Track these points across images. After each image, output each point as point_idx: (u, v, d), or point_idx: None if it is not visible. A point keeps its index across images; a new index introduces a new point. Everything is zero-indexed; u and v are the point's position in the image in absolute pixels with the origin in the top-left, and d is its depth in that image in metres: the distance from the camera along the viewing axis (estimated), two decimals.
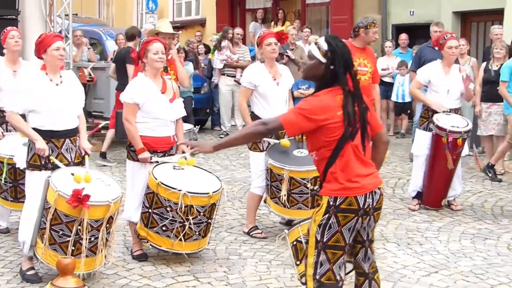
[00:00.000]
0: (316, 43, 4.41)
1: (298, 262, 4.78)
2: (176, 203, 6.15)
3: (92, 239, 5.65)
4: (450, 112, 8.27)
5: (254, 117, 7.22)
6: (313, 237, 4.41)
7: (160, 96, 6.49)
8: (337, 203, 4.31)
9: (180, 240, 6.27)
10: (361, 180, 4.34)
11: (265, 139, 7.09)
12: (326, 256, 4.38)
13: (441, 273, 6.31)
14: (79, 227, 5.55)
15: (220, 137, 14.23)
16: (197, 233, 6.33)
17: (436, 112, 8.21)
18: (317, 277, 4.40)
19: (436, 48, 9.18)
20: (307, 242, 4.49)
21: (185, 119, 10.11)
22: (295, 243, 4.84)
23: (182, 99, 7.02)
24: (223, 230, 7.63)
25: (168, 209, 6.21)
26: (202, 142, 4.83)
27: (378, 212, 4.50)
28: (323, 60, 4.35)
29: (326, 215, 4.34)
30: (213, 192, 6.30)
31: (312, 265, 4.42)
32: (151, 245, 6.45)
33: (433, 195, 8.43)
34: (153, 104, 6.42)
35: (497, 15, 13.30)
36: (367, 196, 4.35)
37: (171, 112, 6.59)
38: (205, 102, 15.43)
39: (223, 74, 14.40)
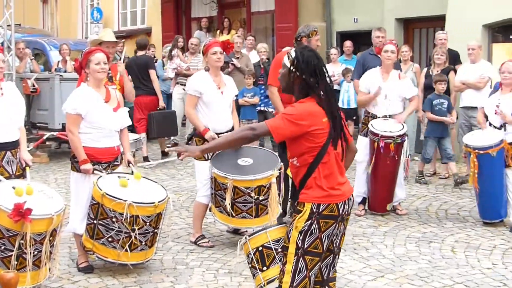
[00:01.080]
0: (288, 53, 4.46)
1: (264, 268, 4.73)
2: (122, 213, 6.11)
3: (36, 252, 5.56)
4: (389, 117, 8.38)
5: None
6: (294, 243, 4.40)
7: (104, 106, 6.43)
8: (320, 209, 4.33)
9: (126, 250, 6.22)
10: (341, 187, 4.40)
11: None
12: (304, 263, 4.39)
13: (387, 277, 6.38)
14: (22, 241, 5.46)
15: (168, 146, 14.13)
16: (143, 243, 6.29)
17: (374, 118, 8.33)
18: (294, 285, 4.40)
19: (379, 55, 9.34)
20: (285, 249, 4.45)
21: (132, 129, 10.13)
22: (260, 248, 4.77)
23: (128, 109, 6.98)
24: (170, 240, 7.60)
25: (113, 219, 6.15)
26: (189, 147, 4.90)
27: (347, 218, 4.53)
28: (291, 68, 4.40)
29: (309, 222, 4.35)
30: (159, 202, 6.27)
31: (290, 272, 4.40)
32: (97, 256, 6.38)
33: (377, 200, 8.54)
34: (97, 114, 6.37)
35: (439, 22, 13.49)
36: (345, 202, 4.41)
37: (115, 121, 6.54)
38: None
39: (177, 83, 14.33)
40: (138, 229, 6.20)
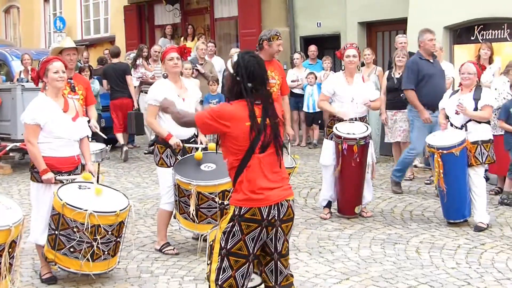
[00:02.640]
0: (231, 57, 4.54)
1: (209, 262, 4.82)
2: (83, 223, 6.03)
3: None
4: (355, 120, 8.39)
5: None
6: (218, 243, 4.51)
7: (62, 116, 6.35)
8: (241, 212, 4.40)
9: (88, 260, 6.15)
10: (265, 192, 4.41)
11: (188, 145, 7.17)
12: (228, 263, 4.46)
13: (352, 279, 6.37)
14: None
15: (145, 153, 14.10)
16: (106, 252, 6.22)
17: (340, 121, 8.35)
18: (219, 282, 4.49)
19: (431, 60, 9.42)
20: (212, 248, 4.57)
21: (93, 138, 10.04)
22: (211, 243, 4.88)
23: (88, 119, 6.91)
24: (134, 248, 7.51)
25: (75, 229, 6.08)
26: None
27: (287, 225, 4.53)
28: (232, 71, 4.49)
29: (231, 223, 4.44)
30: (120, 210, 6.20)
31: (215, 270, 4.52)
32: (59, 267, 6.31)
33: (345, 203, 8.54)
34: (55, 123, 6.28)
35: (401, 25, 13.61)
36: (272, 208, 4.40)
37: (74, 131, 6.46)
38: None
39: (142, 91, 14.25)
40: (100, 238, 6.13)
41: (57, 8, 25.12)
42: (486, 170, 9.82)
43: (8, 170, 12.73)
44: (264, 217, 4.39)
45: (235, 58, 4.48)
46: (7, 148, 12.34)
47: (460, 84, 8.21)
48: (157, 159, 7.23)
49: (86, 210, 6.02)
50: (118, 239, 6.35)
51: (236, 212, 4.42)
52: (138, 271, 6.80)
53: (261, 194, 4.40)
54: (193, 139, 7.32)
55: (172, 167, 7.05)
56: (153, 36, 20.44)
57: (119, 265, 6.69)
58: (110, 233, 6.18)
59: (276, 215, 4.43)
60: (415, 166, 11.50)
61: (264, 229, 4.42)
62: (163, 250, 7.33)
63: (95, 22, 23.33)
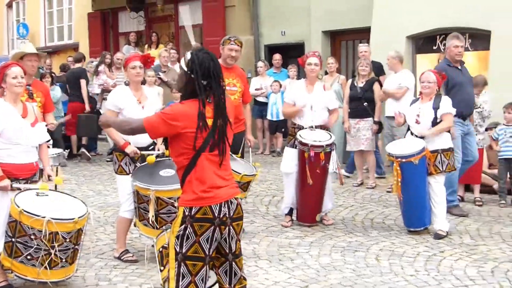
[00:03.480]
0: (184, 55, 4.46)
1: (162, 268, 4.78)
2: (40, 230, 5.92)
3: None
4: (315, 128, 8.40)
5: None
6: (173, 249, 4.42)
7: (21, 121, 6.26)
8: (192, 213, 4.33)
9: (46, 268, 6.04)
10: (215, 190, 4.37)
11: (145, 152, 7.07)
12: (186, 268, 4.38)
13: (311, 287, 6.36)
14: None
15: (107, 161, 14.01)
16: (63, 260, 6.12)
17: (301, 129, 8.35)
18: None
19: (459, 67, 9.07)
20: (167, 255, 4.49)
21: (55, 144, 9.95)
22: (161, 249, 4.84)
23: (44, 126, 6.82)
24: (93, 256, 7.44)
25: (32, 237, 5.96)
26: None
27: (238, 223, 4.50)
28: (185, 69, 4.41)
29: (183, 226, 4.36)
30: (79, 218, 6.11)
31: (174, 277, 4.41)
32: (16, 275, 6.19)
33: (306, 211, 8.53)
34: (14, 129, 6.19)
35: (364, 34, 13.68)
36: (222, 205, 4.37)
37: (33, 137, 6.37)
38: None
39: (105, 99, 14.14)
40: (58, 245, 6.02)
41: (21, 14, 24.91)
42: None
43: None
44: (216, 215, 4.34)
45: (188, 55, 4.41)
46: None
47: (421, 93, 8.26)
48: (116, 167, 7.17)
49: (43, 217, 5.92)
50: (76, 247, 6.25)
51: (186, 213, 4.34)
52: (96, 279, 6.72)
53: (211, 192, 4.35)
54: (152, 146, 7.27)
55: (130, 175, 6.99)
56: (117, 43, 20.33)
57: (77, 273, 6.61)
58: (68, 240, 6.08)
59: (227, 212, 4.39)
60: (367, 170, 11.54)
61: (217, 228, 4.37)
62: (122, 258, 7.26)
63: (59, 29, 23.13)
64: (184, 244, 4.36)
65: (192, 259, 4.37)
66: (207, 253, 4.38)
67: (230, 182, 4.51)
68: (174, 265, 4.41)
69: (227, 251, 4.50)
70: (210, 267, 4.50)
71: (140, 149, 7.06)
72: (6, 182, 6.14)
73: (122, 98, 7.09)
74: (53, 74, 14.90)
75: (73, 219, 6.07)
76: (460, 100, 8.77)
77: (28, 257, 6.01)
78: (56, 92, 13.87)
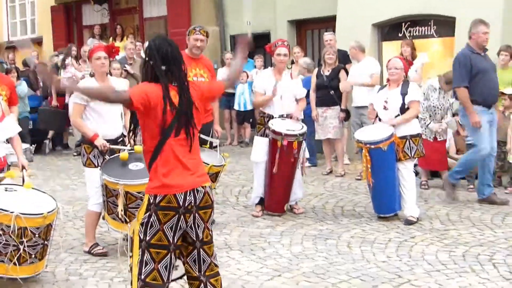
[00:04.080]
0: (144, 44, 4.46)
1: (131, 254, 4.68)
2: (9, 225, 5.83)
3: None
4: (285, 117, 8.38)
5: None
6: (137, 236, 4.41)
7: None
8: (157, 201, 4.31)
9: (15, 264, 5.94)
10: (180, 179, 4.35)
11: (114, 147, 6.98)
12: (150, 256, 4.36)
13: (284, 276, 6.34)
14: None
15: (74, 155, 13.87)
16: (33, 256, 6.03)
17: (271, 118, 8.32)
18: (142, 276, 4.39)
19: (483, 53, 8.79)
20: (132, 241, 4.48)
21: (22, 139, 9.81)
22: (131, 235, 4.80)
23: (12, 118, 6.72)
24: (63, 251, 7.33)
25: (0, 232, 5.88)
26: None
27: (205, 211, 4.45)
28: (144, 56, 4.44)
29: (147, 213, 4.34)
30: (48, 213, 6.03)
31: (137, 264, 4.41)
32: None
33: (275, 201, 8.51)
34: None
35: (330, 22, 13.68)
36: (187, 194, 4.34)
37: (1, 132, 6.25)
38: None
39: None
40: (27, 241, 5.94)
41: None
42: (415, 165, 10.00)
43: None
44: (181, 204, 4.31)
45: (146, 43, 4.43)
46: None
47: (388, 80, 8.26)
48: (84, 160, 7.08)
49: (12, 212, 5.83)
50: (45, 242, 6.16)
51: (151, 201, 4.32)
52: (67, 274, 6.64)
53: (176, 180, 4.33)
54: (121, 139, 7.19)
55: (99, 167, 6.91)
56: (82, 37, 20.11)
57: (47, 269, 6.52)
58: (37, 235, 6.00)
59: (192, 201, 4.35)
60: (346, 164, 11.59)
61: (182, 216, 4.34)
62: (92, 251, 7.18)
63: (21, 23, 22.82)
64: (148, 232, 4.34)
65: (155, 247, 4.35)
66: (171, 241, 4.36)
67: (198, 169, 4.47)
68: (138, 252, 4.40)
69: (194, 239, 4.46)
70: (176, 256, 4.47)
71: (109, 141, 6.97)
72: None
73: None
74: (17, 69, 14.68)
75: (42, 214, 5.99)
76: (483, 87, 8.66)
77: None
78: (23, 87, 13.68)
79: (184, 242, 4.48)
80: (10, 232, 5.85)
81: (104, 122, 6.98)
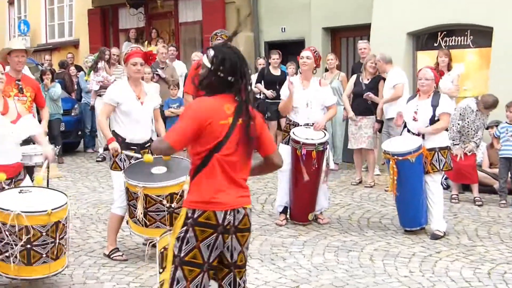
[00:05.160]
0: (207, 52, 4.25)
1: (161, 270, 4.54)
2: (13, 225, 5.75)
3: None
4: (310, 125, 8.22)
5: (115, 135, 6.97)
6: (171, 251, 4.19)
7: (0, 118, 6.10)
8: (195, 215, 4.09)
9: (26, 264, 5.87)
10: (223, 196, 4.11)
11: (128, 153, 6.91)
12: (183, 273, 4.13)
13: (302, 287, 6.20)
14: None
15: (98, 161, 13.86)
16: (44, 255, 5.91)
17: (296, 126, 8.19)
18: None
19: None
20: (166, 256, 4.28)
21: (53, 142, 9.85)
22: (162, 250, 4.62)
23: (31, 118, 6.67)
24: (83, 254, 7.32)
25: (7, 233, 5.77)
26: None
27: (243, 234, 4.23)
28: (209, 66, 4.18)
29: (184, 228, 4.12)
30: (52, 209, 5.87)
31: (169, 281, 4.18)
32: None
33: (299, 210, 8.37)
34: None
35: (365, 31, 13.51)
36: (228, 213, 4.11)
37: (15, 133, 6.18)
38: (76, 124, 15.02)
39: (99, 96, 13.96)
40: (34, 240, 5.82)
41: (22, 11, 24.78)
42: (446, 178, 9.80)
43: None
44: (220, 222, 4.08)
45: (211, 52, 4.18)
46: None
47: (418, 90, 8.08)
48: (111, 163, 7.04)
49: (12, 211, 5.72)
50: (57, 241, 6.02)
51: (189, 215, 4.10)
52: (84, 277, 6.58)
53: (218, 198, 4.09)
54: (148, 144, 7.11)
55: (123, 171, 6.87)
56: (117, 40, 20.19)
57: (65, 271, 6.43)
58: (45, 234, 5.87)
59: (231, 221, 4.12)
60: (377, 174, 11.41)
61: (220, 236, 4.12)
62: (111, 256, 7.12)
63: (59, 25, 23.03)
64: (184, 248, 4.12)
65: (189, 265, 4.13)
66: (205, 260, 4.14)
67: (242, 189, 4.24)
68: (171, 268, 4.18)
69: (230, 261, 4.22)
70: (210, 276, 4.24)
71: (137, 145, 6.96)
72: None
73: (121, 93, 6.95)
74: (53, 71, 14.75)
75: (45, 211, 5.84)
76: None
77: (6, 254, 5.81)
78: (57, 89, 13.73)
79: (220, 263, 4.25)
80: (15, 232, 5.74)
81: (134, 126, 6.95)
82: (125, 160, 6.95)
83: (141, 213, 6.63)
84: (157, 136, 7.35)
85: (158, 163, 6.91)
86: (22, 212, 5.74)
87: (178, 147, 4.11)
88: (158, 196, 6.57)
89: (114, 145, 6.85)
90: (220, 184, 4.12)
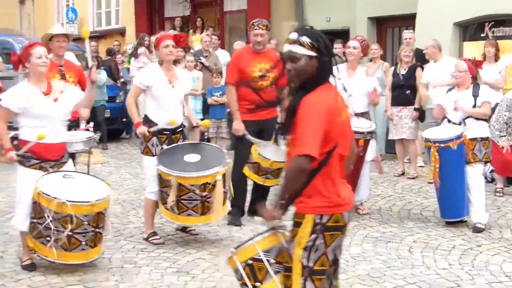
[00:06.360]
0: (293, 41, 3.81)
1: (258, 284, 4.08)
2: (57, 212, 5.87)
3: None
4: (356, 115, 8.15)
5: (146, 119, 7.01)
6: (299, 263, 3.86)
7: (43, 100, 6.16)
8: (324, 221, 3.81)
9: (66, 250, 5.99)
10: (345, 196, 3.90)
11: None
12: (313, 284, 3.88)
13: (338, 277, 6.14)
14: None
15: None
16: (83, 243, 6.04)
17: None
18: None
19: None
20: (288, 270, 3.92)
21: (97, 128, 9.96)
22: (250, 262, 4.10)
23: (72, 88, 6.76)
24: (122, 239, 7.39)
25: (50, 218, 5.90)
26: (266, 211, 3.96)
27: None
28: (313, 53, 3.78)
29: (313, 236, 3.82)
30: (96, 201, 6.01)
31: None
32: (38, 255, 6.17)
33: None
34: (36, 109, 6.09)
35: (410, 20, 13.35)
36: (350, 211, 3.94)
37: (57, 111, 6.24)
38: (121, 111, 15.13)
39: None
40: (76, 228, 5.96)
41: None
42: (492, 171, 9.63)
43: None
44: (346, 222, 3.89)
45: (306, 38, 3.76)
46: (10, 135, 12.20)
47: None
48: (143, 148, 7.09)
49: (58, 199, 5.85)
50: (97, 230, 6.15)
51: (316, 221, 3.79)
52: (122, 262, 6.64)
53: (342, 198, 3.86)
54: (180, 128, 7.15)
55: (156, 156, 6.89)
56: (163, 28, 20.17)
57: (104, 255, 6.57)
58: (86, 223, 6.00)
59: (350, 218, 3.96)
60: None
61: (343, 236, 3.95)
62: (149, 239, 7.19)
63: (106, 13, 23.25)
64: (312, 257, 3.85)
65: (318, 273, 3.89)
66: (330, 263, 3.95)
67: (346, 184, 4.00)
68: (300, 282, 3.88)
69: (338, 258, 4.07)
70: None
71: (168, 130, 6.97)
72: (12, 154, 6.11)
73: (152, 76, 7.01)
74: (99, 58, 14.91)
75: (89, 202, 5.98)
76: None
77: (48, 238, 6.00)
78: (102, 76, 13.88)
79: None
80: (59, 219, 5.90)
81: (164, 110, 6.99)
82: (157, 145, 6.99)
83: (173, 201, 6.66)
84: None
85: (189, 150, 6.94)
86: (68, 201, 5.86)
87: (316, 153, 3.69)
88: (192, 185, 6.59)
89: (142, 129, 6.91)
90: (340, 183, 3.89)
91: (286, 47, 3.86)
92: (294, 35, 3.83)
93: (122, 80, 15.85)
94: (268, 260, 4.02)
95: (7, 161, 6.17)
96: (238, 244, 4.20)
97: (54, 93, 6.29)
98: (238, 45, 13.34)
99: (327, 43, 3.82)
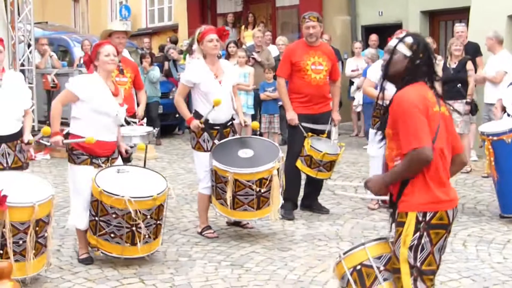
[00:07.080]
0: (399, 39, 4.01)
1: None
2: (121, 209, 5.99)
3: (21, 242, 5.43)
4: None
5: (197, 115, 7.08)
6: (405, 262, 3.83)
7: (112, 98, 6.32)
8: (427, 218, 3.79)
9: (131, 244, 6.12)
10: (449, 192, 3.87)
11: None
12: (425, 284, 3.84)
13: None
14: (4, 230, 5.34)
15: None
16: (147, 236, 6.17)
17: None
18: None
19: None
20: (396, 271, 3.89)
21: (151, 124, 10.09)
22: (358, 267, 4.04)
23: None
24: (177, 232, 7.50)
25: (114, 216, 6.04)
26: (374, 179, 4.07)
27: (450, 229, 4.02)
28: (408, 53, 3.94)
29: (417, 234, 3.79)
30: (158, 194, 6.13)
31: None
32: (102, 252, 6.29)
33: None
34: (104, 101, 6.22)
35: (463, 14, 13.22)
36: (454, 209, 3.89)
37: (122, 115, 6.37)
38: (174, 107, 15.21)
39: None
40: (139, 223, 6.08)
41: None
42: None
43: (65, 154, 12.81)
44: (450, 221, 3.83)
45: (408, 39, 3.97)
46: (64, 132, 12.42)
47: None
48: (194, 143, 7.16)
49: (123, 197, 5.97)
50: (158, 222, 6.30)
51: (419, 219, 3.77)
52: (177, 255, 6.75)
53: (447, 195, 3.83)
54: (230, 122, 7.21)
55: (209, 152, 6.96)
56: (215, 25, 20.19)
57: (159, 248, 6.64)
58: (149, 217, 6.14)
59: (453, 218, 3.89)
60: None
61: (448, 235, 3.89)
62: (203, 233, 7.28)
63: (159, 10, 23.46)
64: (418, 256, 3.82)
65: (427, 273, 3.85)
66: (438, 264, 3.90)
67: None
68: (410, 282, 3.83)
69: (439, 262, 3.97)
70: None
71: (219, 125, 7.04)
72: (58, 138, 6.22)
73: (197, 73, 7.05)
74: (152, 54, 15.09)
75: (151, 196, 6.10)
76: None
77: (112, 235, 6.13)
78: (155, 72, 14.07)
79: None
80: (123, 215, 6.02)
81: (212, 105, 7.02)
82: (208, 141, 7.05)
83: (230, 196, 6.73)
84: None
85: (242, 145, 7.01)
86: (132, 197, 5.98)
87: (430, 143, 3.74)
88: (248, 181, 6.66)
89: (195, 123, 6.98)
90: (444, 179, 3.85)
91: (393, 41, 4.06)
92: (403, 34, 4.11)
93: (178, 77, 15.96)
94: (378, 267, 4.01)
95: (52, 144, 6.28)
96: (347, 250, 4.19)
97: (120, 98, 6.45)
98: (281, 40, 13.43)
99: (427, 49, 3.96)
